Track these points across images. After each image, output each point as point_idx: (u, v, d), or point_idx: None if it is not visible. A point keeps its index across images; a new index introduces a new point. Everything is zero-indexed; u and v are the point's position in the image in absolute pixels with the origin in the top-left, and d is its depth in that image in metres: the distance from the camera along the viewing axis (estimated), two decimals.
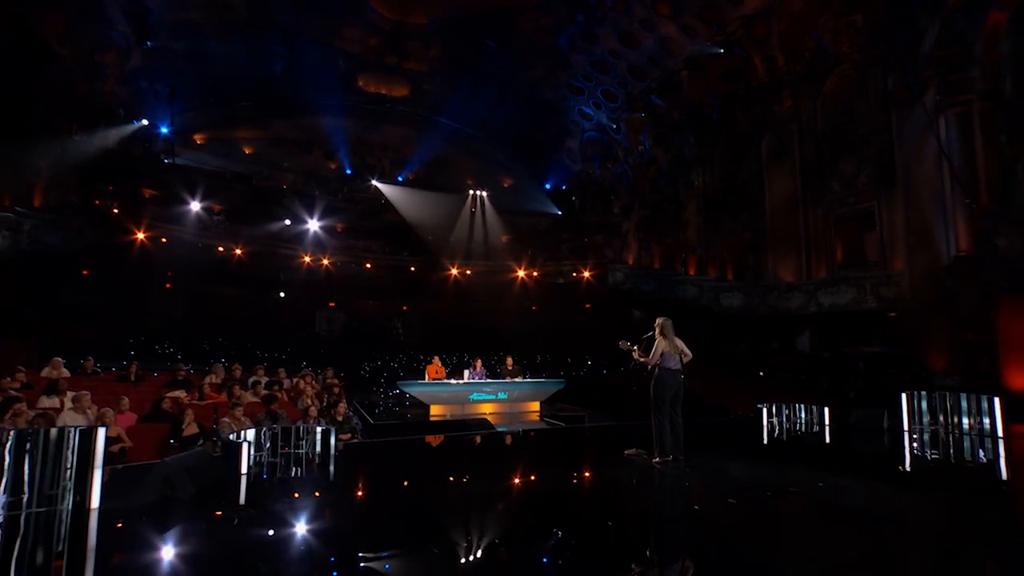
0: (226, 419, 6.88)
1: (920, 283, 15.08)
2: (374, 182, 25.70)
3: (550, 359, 19.66)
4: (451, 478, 5.91)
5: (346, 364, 16.43)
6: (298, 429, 6.13)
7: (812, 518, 4.51)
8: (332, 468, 5.83)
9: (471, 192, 26.79)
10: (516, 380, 11.67)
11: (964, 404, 8.43)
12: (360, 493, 5.34)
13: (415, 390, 10.89)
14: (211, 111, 23.39)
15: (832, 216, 17.86)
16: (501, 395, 11.40)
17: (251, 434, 5.99)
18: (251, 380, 9.71)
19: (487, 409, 11.34)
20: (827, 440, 8.11)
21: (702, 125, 22.52)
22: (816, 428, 8.84)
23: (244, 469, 5.17)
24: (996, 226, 12.47)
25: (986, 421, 8.09)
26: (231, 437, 5.72)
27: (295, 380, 10.08)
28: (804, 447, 7.73)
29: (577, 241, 28.70)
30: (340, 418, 7.96)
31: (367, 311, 23.76)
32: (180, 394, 8.47)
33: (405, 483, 5.67)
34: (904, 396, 8.64)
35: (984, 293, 13.07)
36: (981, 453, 7.32)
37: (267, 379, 9.81)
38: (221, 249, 21.31)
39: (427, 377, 11.60)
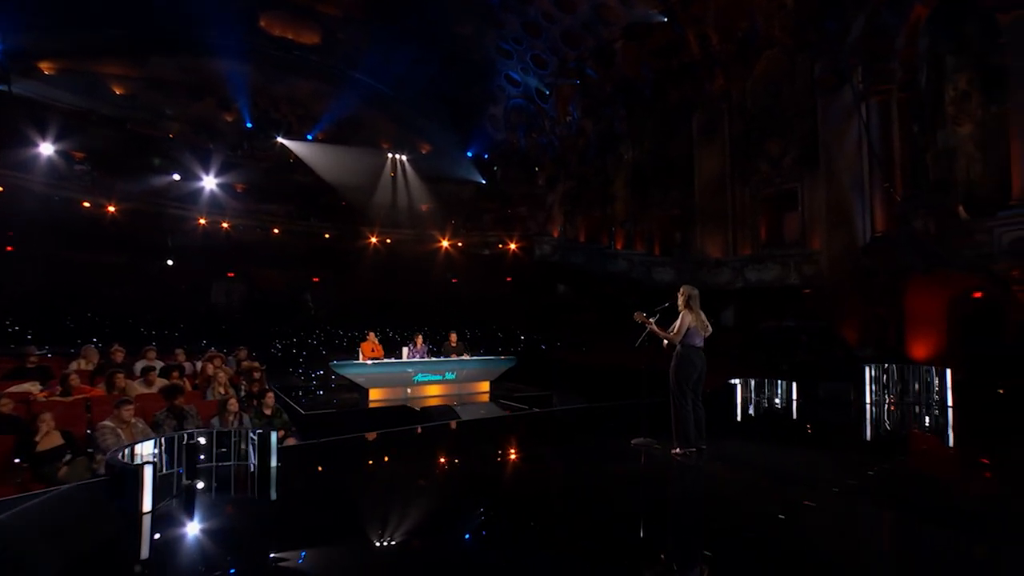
0: (107, 423, 4.90)
1: (838, 261, 15.66)
2: (281, 139, 22.56)
3: (479, 334, 18.44)
4: (483, 508, 3.92)
5: (253, 342, 14.05)
6: (225, 434, 4.40)
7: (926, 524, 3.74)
8: (278, 493, 4.21)
9: (390, 155, 24.51)
10: (464, 358, 10.33)
11: (918, 376, 8.46)
12: (375, 542, 3.18)
13: (352, 372, 9.18)
14: (65, 34, 18.67)
15: (759, 195, 18.15)
16: (449, 375, 10.03)
17: (149, 447, 4.19)
18: (140, 365, 7.47)
19: (433, 391, 9.93)
20: (817, 416, 7.71)
21: (634, 99, 22.01)
22: (786, 403, 8.50)
23: (148, 506, 3.41)
24: (913, 210, 12.99)
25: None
26: (119, 454, 3.90)
27: (200, 364, 7.94)
28: (804, 426, 7.27)
29: (500, 212, 27.45)
30: (269, 412, 6.20)
31: (273, 281, 20.95)
32: (32, 388, 6.19)
33: (419, 517, 3.84)
34: (868, 369, 8.52)
35: (896, 271, 13.70)
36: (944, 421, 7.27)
37: (162, 363, 7.60)
38: (87, 205, 17.46)
39: (362, 356, 9.91)
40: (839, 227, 15.64)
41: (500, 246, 24.65)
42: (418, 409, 7.60)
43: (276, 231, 21.54)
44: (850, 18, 15.24)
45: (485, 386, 10.59)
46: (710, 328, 5.25)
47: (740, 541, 3.16)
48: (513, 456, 5.78)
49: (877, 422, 7.59)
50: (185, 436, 4.33)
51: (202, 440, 4.31)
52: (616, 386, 10.76)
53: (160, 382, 6.72)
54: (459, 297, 21.94)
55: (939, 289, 13.09)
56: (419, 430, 6.64)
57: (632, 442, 5.56)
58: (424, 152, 28.06)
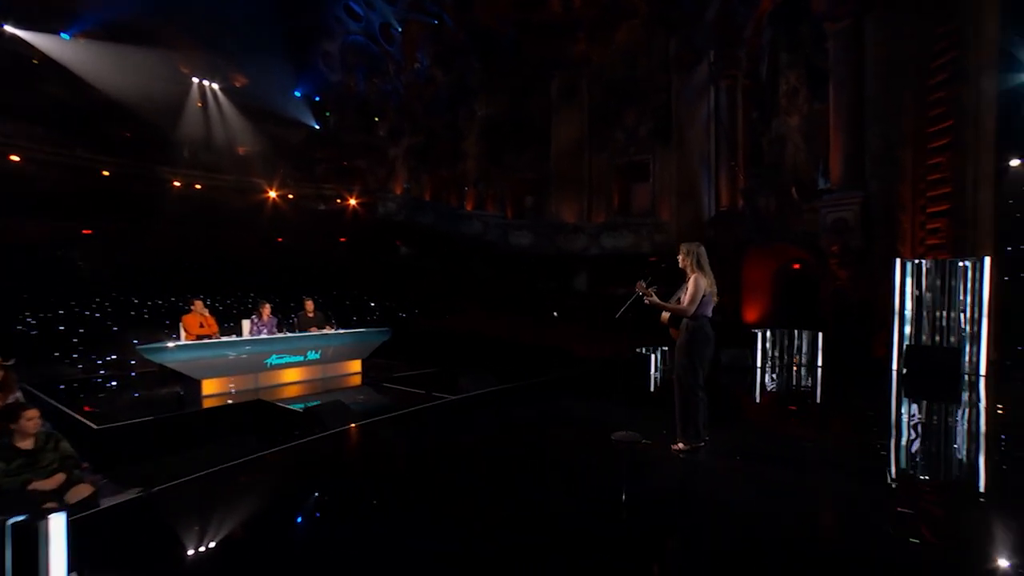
0: None
1: (686, 232, 16.56)
2: (13, 29, 15.98)
3: (321, 301, 15.65)
4: None
5: None
6: None
7: None
8: None
9: (196, 80, 19.34)
10: (329, 332, 8.09)
11: (796, 341, 8.93)
12: None
13: (174, 357, 6.36)
14: None
15: (614, 163, 18.37)
16: (313, 354, 7.74)
17: None
18: None
19: (293, 376, 7.57)
20: (747, 384, 7.47)
21: (490, 51, 20.52)
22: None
23: None
24: (757, 188, 14.09)
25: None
26: None
27: None
28: (775, 400, 6.89)
29: (335, 163, 23.97)
30: (30, 443, 3.56)
31: (17, 232, 15.03)
32: None
33: None
34: (759, 335, 8.70)
35: (737, 243, 14.90)
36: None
37: None
38: None
39: (185, 334, 7.06)
40: (688, 199, 16.51)
41: (338, 201, 21.50)
42: (301, 410, 5.38)
43: (15, 158, 15.38)
44: (707, 0, 15.80)
45: (356, 365, 8.53)
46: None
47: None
48: (486, 482, 4.18)
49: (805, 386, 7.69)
50: None
51: None
52: (515, 360, 9.65)
53: None
54: (288, 256, 18.50)
55: (768, 261, 14.53)
56: (315, 443, 4.53)
57: (613, 437, 4.42)
58: (238, 85, 22.89)
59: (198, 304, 7.40)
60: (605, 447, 4.32)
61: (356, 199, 21.33)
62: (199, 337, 7.04)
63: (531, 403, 6.22)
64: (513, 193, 20.84)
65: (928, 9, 10.50)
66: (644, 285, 4.20)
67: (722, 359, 8.24)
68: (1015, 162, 9.58)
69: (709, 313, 4.03)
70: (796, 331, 9.04)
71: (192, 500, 3.45)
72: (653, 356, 7.90)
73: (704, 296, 3.98)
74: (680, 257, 4.18)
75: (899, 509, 3.17)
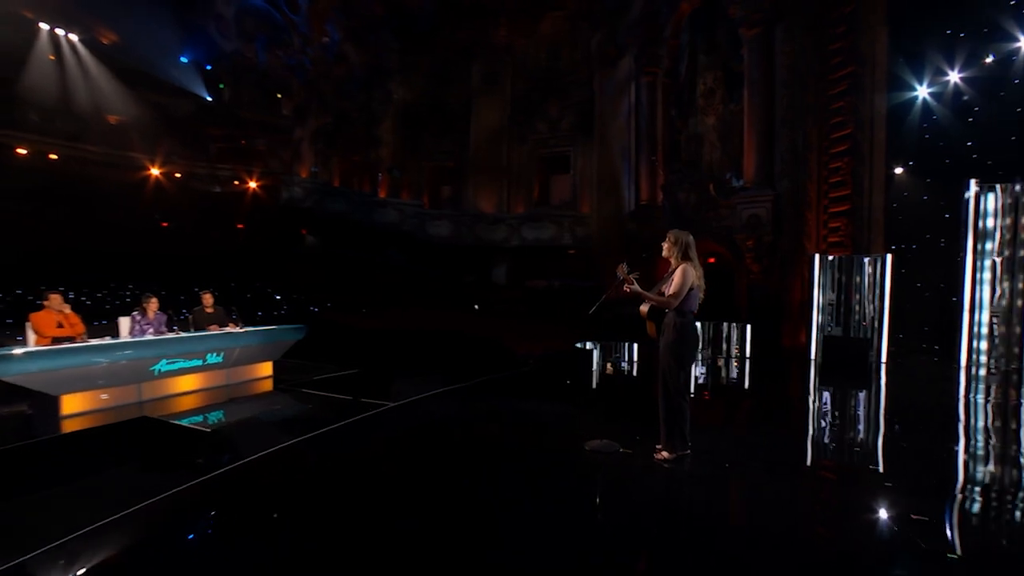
0: None
1: (606, 224, 16.70)
2: None
3: (218, 295, 13.79)
4: None
5: None
6: None
7: None
8: None
9: (45, 26, 16.15)
10: (233, 330, 6.86)
11: (725, 333, 9.08)
12: None
13: (21, 369, 4.91)
14: None
15: (535, 154, 18.06)
16: (214, 357, 6.49)
17: None
18: None
19: (188, 384, 6.29)
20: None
21: (408, 30, 19.34)
22: (628, 364, 8.07)
23: None
24: (677, 183, 14.43)
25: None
26: None
27: None
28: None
29: (231, 142, 21.41)
30: None
31: None
32: None
33: None
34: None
35: (657, 236, 15.19)
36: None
37: None
38: None
39: (35, 336, 5.57)
40: (609, 193, 16.60)
41: (236, 183, 19.21)
42: (207, 430, 4.27)
43: None
44: None
45: (267, 368, 7.36)
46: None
47: None
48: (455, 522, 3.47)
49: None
50: None
51: None
52: (447, 358, 8.90)
53: None
54: (180, 243, 16.21)
55: None
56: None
57: (587, 447, 3.93)
58: (107, 41, 19.63)
59: (54, 298, 5.87)
60: (578, 458, 3.83)
61: (257, 182, 19.21)
62: (56, 340, 5.58)
63: (480, 409, 5.61)
64: (430, 181, 19.90)
65: (827, 27, 11.16)
66: (626, 270, 3.74)
67: None
68: (899, 170, 10.41)
69: (696, 308, 3.66)
70: (725, 324, 9.20)
71: None
72: (595, 351, 7.60)
73: (691, 289, 3.60)
74: (666, 246, 3.77)
75: (914, 516, 2.98)
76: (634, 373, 7.71)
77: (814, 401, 6.26)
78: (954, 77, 9.36)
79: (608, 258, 16.46)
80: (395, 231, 18.03)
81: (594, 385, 6.91)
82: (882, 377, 7.57)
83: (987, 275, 8.34)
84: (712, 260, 14.72)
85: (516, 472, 3.73)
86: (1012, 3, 8.87)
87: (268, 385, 7.04)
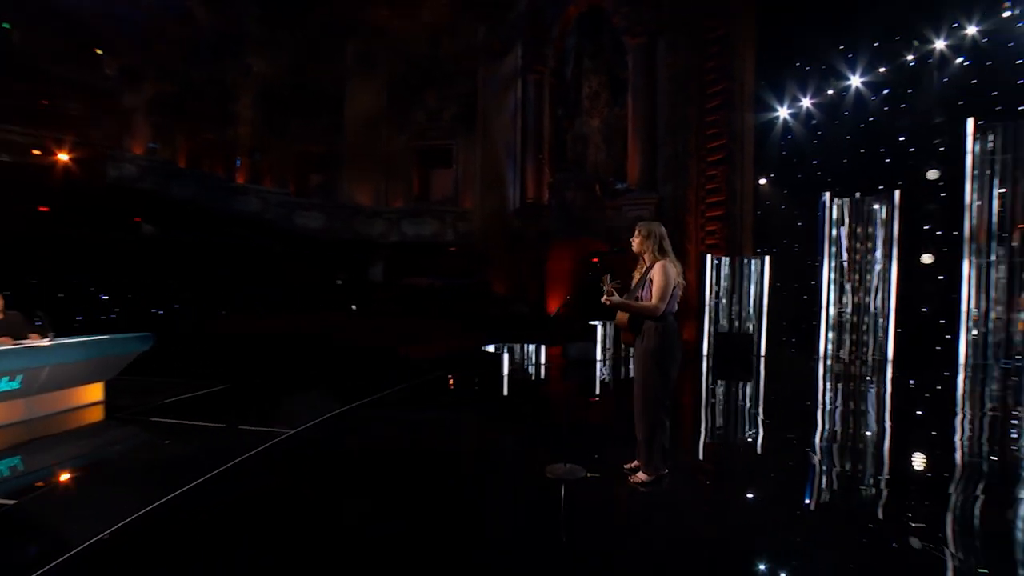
0: None
1: (490, 221, 16.28)
2: None
3: (9, 295, 10.65)
4: None
5: None
6: None
7: None
8: None
9: None
10: (39, 343, 5.03)
11: None
12: None
13: None
14: None
15: (415, 146, 17.03)
16: (8, 383, 4.65)
17: None
18: None
19: None
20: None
21: None
22: (536, 366, 7.65)
23: None
24: (565, 183, 14.50)
25: None
26: None
27: None
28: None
29: (31, 100, 17.02)
30: None
31: None
32: None
33: None
34: (599, 327, 8.59)
35: (543, 235, 15.19)
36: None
37: None
38: None
39: None
40: (492, 189, 16.20)
41: (36, 152, 15.23)
42: None
43: None
44: None
45: (96, 392, 5.57)
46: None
47: None
48: None
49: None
50: None
51: None
52: (335, 367, 7.66)
53: None
54: None
55: (571, 254, 15.14)
56: None
57: (549, 474, 3.33)
58: None
59: None
60: (539, 486, 3.21)
61: (70, 154, 15.45)
62: None
63: (400, 433, 4.69)
64: (298, 168, 17.78)
65: (704, 45, 11.94)
66: (609, 280, 3.23)
67: (570, 353, 7.86)
68: (763, 181, 11.48)
69: (675, 308, 3.25)
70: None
71: None
72: (505, 354, 7.05)
73: (674, 290, 3.18)
74: (637, 240, 3.29)
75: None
76: (549, 377, 7.31)
77: (754, 403, 6.39)
78: (807, 103, 10.49)
79: (492, 255, 16.15)
80: (257, 220, 15.73)
81: (512, 393, 6.34)
82: (761, 370, 8.15)
83: (835, 276, 9.44)
84: (596, 260, 15.08)
85: (477, 515, 2.99)
86: (842, 48, 10.15)
87: (97, 414, 5.32)
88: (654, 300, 3.11)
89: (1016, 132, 8.09)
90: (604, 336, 8.65)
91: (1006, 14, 8.38)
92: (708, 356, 9.02)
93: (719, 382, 7.24)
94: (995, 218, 8.14)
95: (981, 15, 8.52)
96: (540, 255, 15.28)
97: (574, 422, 4.83)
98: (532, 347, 7.76)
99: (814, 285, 9.74)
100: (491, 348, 7.66)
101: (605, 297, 3.23)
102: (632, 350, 3.39)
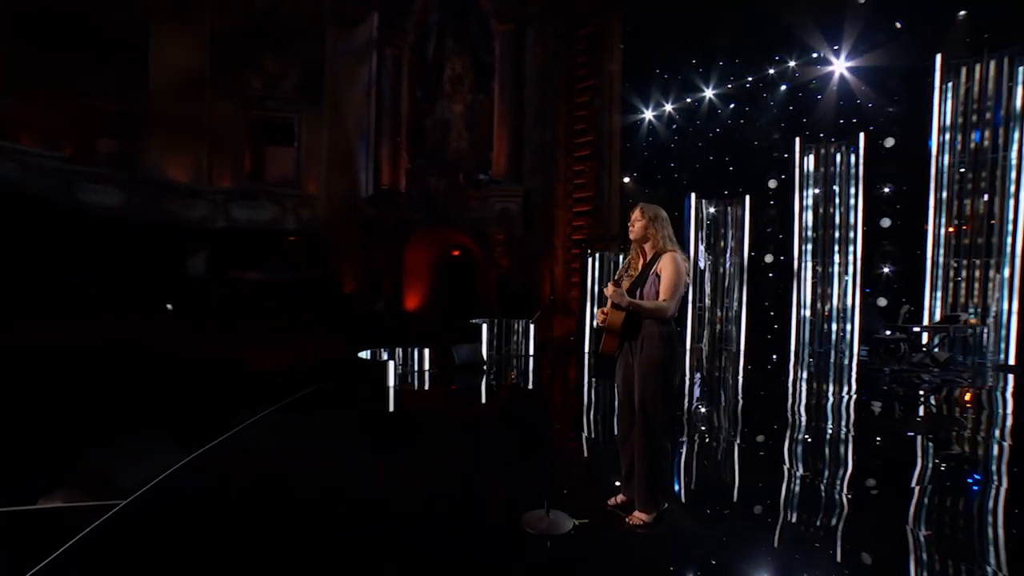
0: None
1: (339, 208, 14.53)
2: None
3: None
4: None
5: None
6: None
7: None
8: None
9: None
10: None
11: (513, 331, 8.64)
12: None
13: None
14: None
15: (248, 116, 14.40)
16: None
17: None
18: None
19: None
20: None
21: None
22: (425, 370, 6.68)
23: None
24: (428, 170, 13.51)
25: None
26: None
27: None
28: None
29: None
30: None
31: None
32: None
33: None
34: (485, 327, 7.89)
35: (401, 224, 14.03)
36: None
37: None
38: None
39: None
40: (342, 172, 14.49)
41: None
42: None
43: None
44: None
45: None
46: None
47: None
48: None
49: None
50: None
51: None
52: (160, 388, 5.67)
53: None
54: None
55: (430, 245, 14.25)
56: None
57: (527, 527, 2.55)
58: None
59: None
60: (523, 549, 2.44)
61: None
62: None
63: (282, 482, 3.41)
64: (80, 127, 13.79)
65: (572, 41, 12.04)
66: (613, 287, 2.56)
67: (455, 357, 7.05)
68: (627, 179, 12.00)
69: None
70: (515, 322, 8.75)
71: None
72: (392, 362, 5.96)
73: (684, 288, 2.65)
74: (639, 224, 2.68)
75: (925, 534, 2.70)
76: (453, 389, 6.41)
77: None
78: (668, 107, 11.14)
79: (341, 246, 14.46)
80: (11, 193, 11.74)
81: (418, 413, 5.32)
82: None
83: (696, 273, 10.17)
84: (456, 253, 14.41)
85: None
86: (694, 62, 11.01)
87: None
88: (666, 297, 2.55)
89: (827, 152, 9.47)
90: (491, 336, 8.04)
91: (815, 54, 9.73)
92: (590, 353, 9.00)
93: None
94: (809, 223, 9.47)
95: (798, 52, 9.75)
96: (397, 246, 14.11)
97: (518, 447, 4.10)
98: (415, 352, 6.78)
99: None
100: (366, 354, 6.47)
101: (611, 288, 2.57)
102: (610, 360, 2.79)
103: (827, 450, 3.97)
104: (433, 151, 14.23)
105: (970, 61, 8.14)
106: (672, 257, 2.59)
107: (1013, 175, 7.85)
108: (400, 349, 6.77)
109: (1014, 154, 7.82)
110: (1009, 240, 7.87)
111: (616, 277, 2.71)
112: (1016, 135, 7.81)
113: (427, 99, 14.57)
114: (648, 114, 11.26)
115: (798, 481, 3.33)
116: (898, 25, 8.81)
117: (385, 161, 14.31)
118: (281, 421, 4.63)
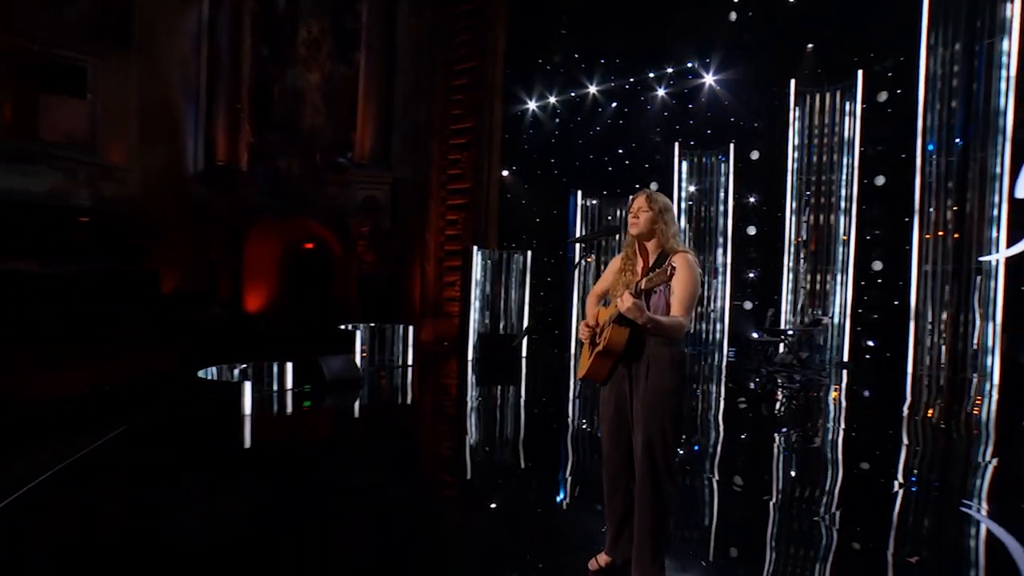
0: None
1: (156, 185, 11.93)
2: None
3: None
4: None
5: None
6: None
7: None
8: None
9: None
10: None
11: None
12: None
13: None
14: None
15: (12, 49, 11.07)
16: None
17: None
18: None
19: None
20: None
21: None
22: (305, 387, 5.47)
23: None
24: (281, 146, 11.69)
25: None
26: None
27: None
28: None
29: None
30: None
31: None
32: None
33: None
34: (359, 332, 6.79)
35: (241, 210, 12.03)
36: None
37: None
38: None
39: None
40: (159, 139, 11.90)
41: None
42: None
43: None
44: None
45: None
46: None
47: None
48: None
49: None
50: None
51: None
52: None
53: None
54: None
55: (278, 236, 12.47)
56: None
57: None
58: None
59: None
60: None
61: None
62: None
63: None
64: None
65: (453, 18, 11.31)
66: (632, 298, 1.94)
67: (325, 372, 5.93)
68: (506, 172, 11.64)
69: None
70: (392, 327, 7.75)
71: None
72: (247, 383, 4.68)
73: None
74: (645, 216, 2.10)
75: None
76: (329, 413, 5.25)
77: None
78: (552, 99, 11.01)
79: (161, 234, 11.95)
80: None
81: (310, 455, 4.13)
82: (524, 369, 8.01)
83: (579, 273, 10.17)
84: (311, 246, 12.85)
85: None
86: (577, 56, 11.07)
87: None
88: (681, 312, 2.05)
89: (700, 159, 10.15)
90: (364, 344, 6.95)
91: (689, 64, 10.37)
92: (474, 360, 8.38)
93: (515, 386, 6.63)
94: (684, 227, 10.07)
95: (674, 62, 10.28)
96: (236, 236, 12.08)
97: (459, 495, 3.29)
98: (275, 367, 5.53)
99: (557, 282, 10.31)
100: (209, 373, 5.08)
101: (628, 300, 1.97)
102: (602, 386, 2.23)
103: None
104: (283, 124, 12.44)
105: (813, 91, 9.27)
106: (686, 260, 2.07)
107: (843, 192, 9.12)
108: (251, 364, 5.47)
109: (844, 177, 9.08)
110: (841, 251, 9.12)
111: (636, 285, 2.12)
112: (844, 160, 9.09)
113: (275, 61, 12.66)
114: (531, 104, 10.98)
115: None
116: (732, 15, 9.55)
117: (221, 131, 12.09)
118: (87, 480, 3.15)
